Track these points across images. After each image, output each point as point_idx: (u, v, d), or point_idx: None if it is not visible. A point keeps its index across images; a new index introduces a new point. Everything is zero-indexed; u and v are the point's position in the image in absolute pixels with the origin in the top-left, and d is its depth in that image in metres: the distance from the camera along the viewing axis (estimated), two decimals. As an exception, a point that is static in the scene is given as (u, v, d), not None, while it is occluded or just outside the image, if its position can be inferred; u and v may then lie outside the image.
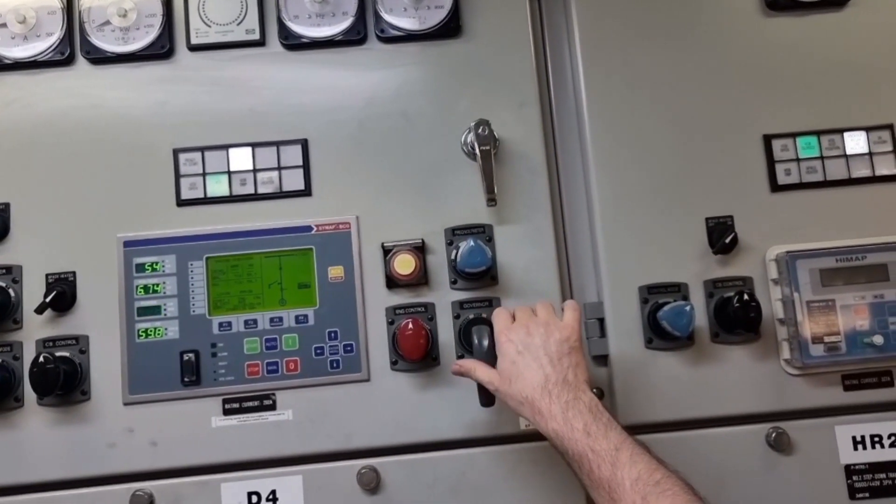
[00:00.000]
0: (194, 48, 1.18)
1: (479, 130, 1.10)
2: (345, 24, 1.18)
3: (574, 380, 0.93)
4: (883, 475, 1.09)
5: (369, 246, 1.13)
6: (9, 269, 1.11)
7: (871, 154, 1.16)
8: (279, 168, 1.15)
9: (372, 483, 1.07)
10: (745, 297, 1.07)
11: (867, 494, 1.09)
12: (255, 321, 1.11)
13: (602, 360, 1.14)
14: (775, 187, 1.16)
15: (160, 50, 1.17)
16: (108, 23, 1.17)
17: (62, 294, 1.09)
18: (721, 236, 1.10)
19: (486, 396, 1.02)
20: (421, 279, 1.12)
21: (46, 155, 1.15)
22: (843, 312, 1.09)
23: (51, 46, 1.16)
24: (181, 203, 1.14)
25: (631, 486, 0.80)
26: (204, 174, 1.15)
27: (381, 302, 1.12)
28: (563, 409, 0.89)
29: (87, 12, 1.17)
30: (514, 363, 0.95)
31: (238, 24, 1.18)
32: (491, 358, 1.03)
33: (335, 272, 1.12)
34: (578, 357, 0.96)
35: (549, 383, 0.92)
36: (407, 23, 1.18)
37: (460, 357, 1.11)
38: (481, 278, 1.12)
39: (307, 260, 1.12)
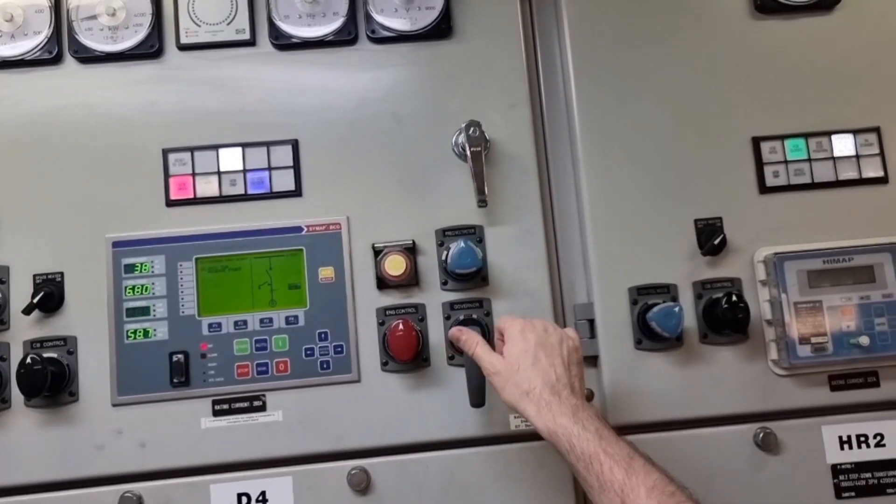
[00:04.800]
0: (184, 48, 1.18)
1: (470, 131, 1.10)
2: (336, 24, 1.18)
3: (579, 389, 0.95)
4: (868, 475, 1.10)
5: (360, 247, 1.13)
6: (-4, 270, 1.10)
7: (857, 156, 1.17)
8: (269, 168, 1.15)
9: (362, 484, 1.07)
10: (734, 298, 1.08)
11: (853, 494, 1.10)
12: (245, 322, 1.10)
13: (592, 360, 1.14)
14: (764, 189, 1.17)
15: (149, 49, 1.16)
16: (96, 21, 1.16)
17: (50, 294, 1.08)
18: (710, 238, 1.11)
19: (477, 396, 1.02)
20: (412, 280, 1.12)
21: (34, 154, 1.14)
22: (830, 313, 1.10)
23: (38, 45, 1.15)
24: (170, 203, 1.14)
25: (647, 493, 0.81)
26: (193, 174, 1.14)
27: (372, 303, 1.12)
28: (574, 409, 0.90)
29: (76, 11, 1.16)
30: (526, 352, 0.95)
31: (228, 23, 1.18)
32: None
33: (326, 273, 1.12)
34: (583, 371, 0.98)
35: (559, 384, 0.93)
36: (398, 23, 1.18)
37: (450, 358, 1.11)
38: (472, 279, 1.12)
39: (297, 261, 1.12)
